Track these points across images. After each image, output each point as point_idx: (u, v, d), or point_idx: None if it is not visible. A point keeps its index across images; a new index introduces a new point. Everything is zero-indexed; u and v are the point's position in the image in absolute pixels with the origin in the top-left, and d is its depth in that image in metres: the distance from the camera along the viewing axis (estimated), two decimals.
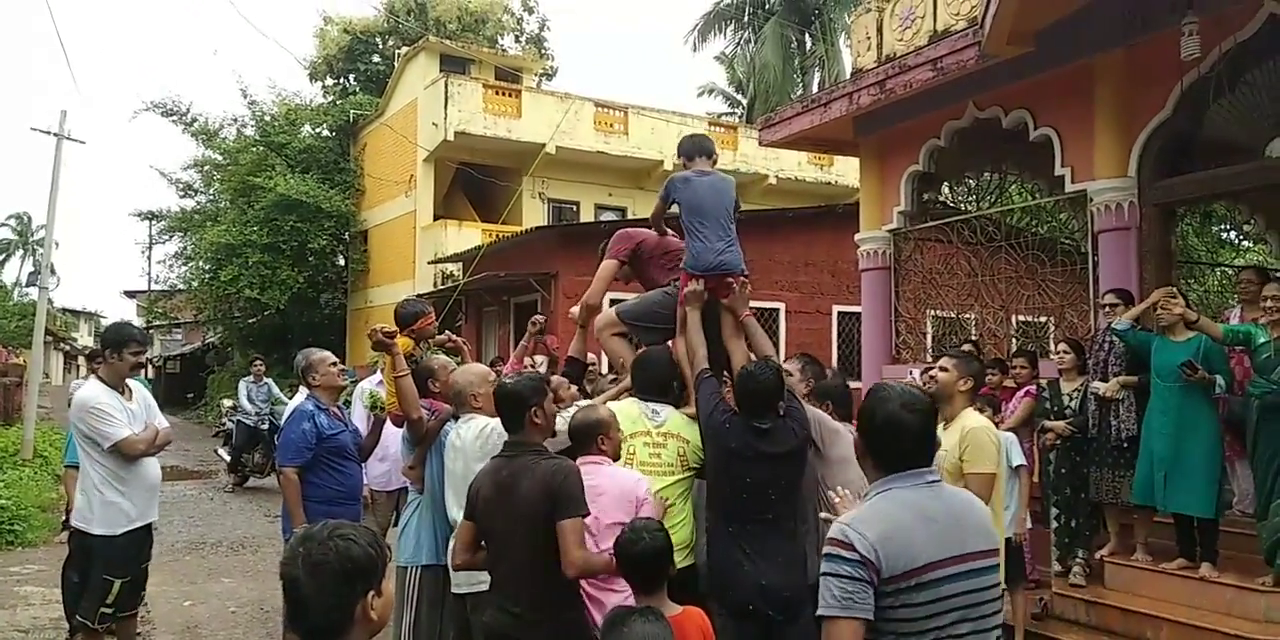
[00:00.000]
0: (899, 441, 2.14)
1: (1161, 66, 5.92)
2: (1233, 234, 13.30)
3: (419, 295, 16.47)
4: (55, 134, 15.23)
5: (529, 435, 3.17)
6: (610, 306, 4.40)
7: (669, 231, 4.37)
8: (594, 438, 3.42)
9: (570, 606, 3.09)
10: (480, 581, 3.37)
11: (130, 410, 4.59)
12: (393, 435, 4.90)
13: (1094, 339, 6.00)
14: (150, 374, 31.66)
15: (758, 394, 3.40)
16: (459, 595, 3.73)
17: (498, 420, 3.56)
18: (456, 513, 3.61)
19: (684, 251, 4.00)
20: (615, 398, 4.00)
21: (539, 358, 12.25)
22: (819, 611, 2.01)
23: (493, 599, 3.14)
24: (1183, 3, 5.55)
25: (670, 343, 4.03)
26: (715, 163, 4.12)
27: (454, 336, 5.03)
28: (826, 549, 2.03)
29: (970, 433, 3.77)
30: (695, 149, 4.10)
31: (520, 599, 3.01)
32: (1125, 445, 5.41)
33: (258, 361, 12.82)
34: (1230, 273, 10.26)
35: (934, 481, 2.16)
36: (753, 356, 3.79)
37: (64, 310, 45.94)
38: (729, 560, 3.35)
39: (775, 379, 3.44)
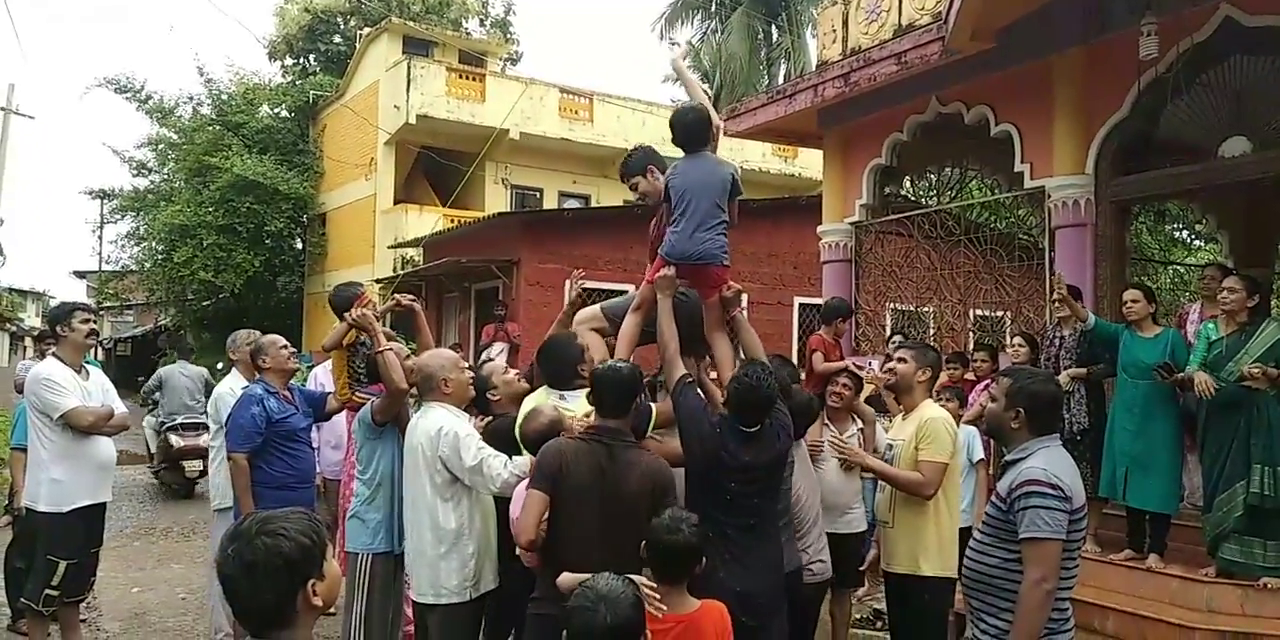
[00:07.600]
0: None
1: (1120, 66, 6.00)
2: (1185, 233, 13.59)
3: (376, 280, 16.29)
4: (2, 109, 14.83)
5: (628, 423, 3.13)
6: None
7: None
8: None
9: None
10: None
11: (85, 389, 4.52)
12: (344, 425, 4.83)
13: (1046, 334, 6.08)
14: (100, 356, 30.97)
15: (757, 405, 3.28)
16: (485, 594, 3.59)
17: (455, 422, 3.48)
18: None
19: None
20: None
21: (498, 345, 12.07)
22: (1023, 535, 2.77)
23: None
24: (1142, 4, 5.63)
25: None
26: (704, 145, 3.77)
27: (404, 297, 4.67)
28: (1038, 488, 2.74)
29: (928, 423, 3.82)
30: (682, 139, 3.79)
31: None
32: (1079, 438, 5.47)
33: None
34: (1182, 271, 10.48)
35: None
36: (743, 355, 3.71)
37: (10, 290, 44.67)
38: (706, 568, 3.23)
39: (775, 391, 3.33)
